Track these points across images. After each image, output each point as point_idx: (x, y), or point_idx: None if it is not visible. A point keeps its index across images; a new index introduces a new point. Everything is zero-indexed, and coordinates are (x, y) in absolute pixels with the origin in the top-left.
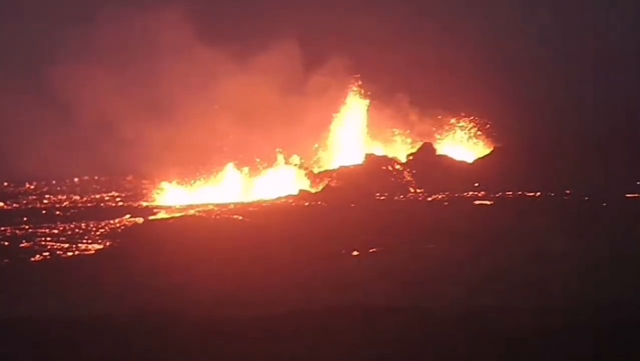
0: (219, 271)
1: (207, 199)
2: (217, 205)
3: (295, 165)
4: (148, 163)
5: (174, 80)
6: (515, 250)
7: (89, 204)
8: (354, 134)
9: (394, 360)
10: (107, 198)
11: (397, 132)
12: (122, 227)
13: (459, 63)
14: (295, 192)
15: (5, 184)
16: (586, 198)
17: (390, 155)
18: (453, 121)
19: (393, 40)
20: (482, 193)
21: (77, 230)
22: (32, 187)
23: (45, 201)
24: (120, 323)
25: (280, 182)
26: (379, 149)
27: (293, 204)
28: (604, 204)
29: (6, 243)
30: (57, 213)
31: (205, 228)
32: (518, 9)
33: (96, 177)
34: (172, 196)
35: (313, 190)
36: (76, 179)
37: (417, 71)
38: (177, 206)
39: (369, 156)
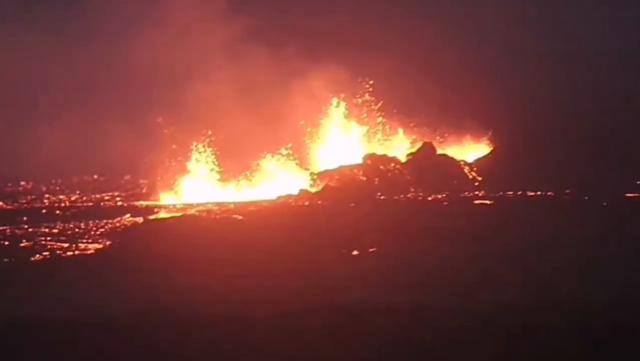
0: (219, 271)
1: (207, 199)
2: (217, 204)
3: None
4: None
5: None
6: (515, 250)
7: (88, 204)
8: (352, 133)
9: (394, 359)
10: (107, 198)
11: (397, 132)
12: (122, 226)
13: (458, 63)
14: (295, 191)
15: (2, 183)
16: (586, 198)
17: (390, 155)
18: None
19: (389, 40)
20: (482, 192)
21: (77, 230)
22: (29, 186)
23: (45, 201)
24: (121, 323)
25: (280, 181)
26: (379, 149)
27: (293, 203)
28: (604, 203)
29: (6, 243)
30: (57, 212)
31: (205, 227)
32: (520, 7)
33: (95, 177)
34: (169, 197)
35: (313, 190)
36: (75, 179)
37: (415, 70)
38: (177, 206)
39: (368, 156)
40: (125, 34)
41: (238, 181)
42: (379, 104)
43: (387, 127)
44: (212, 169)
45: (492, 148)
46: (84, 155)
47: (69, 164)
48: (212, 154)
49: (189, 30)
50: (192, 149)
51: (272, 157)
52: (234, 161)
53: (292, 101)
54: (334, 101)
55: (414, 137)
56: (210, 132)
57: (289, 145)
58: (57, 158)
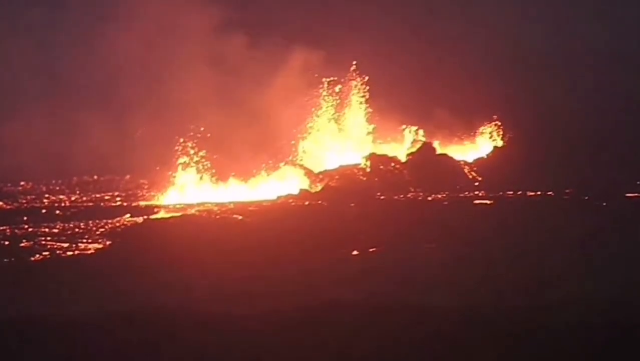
0: (219, 270)
1: (206, 199)
2: (217, 204)
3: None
4: (145, 162)
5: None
6: (515, 249)
7: (88, 204)
8: (355, 132)
9: (394, 359)
10: (107, 198)
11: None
12: (122, 226)
13: (458, 63)
14: (295, 191)
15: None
16: (586, 198)
17: (390, 154)
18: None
19: (389, 39)
20: (482, 192)
21: (77, 230)
22: (29, 186)
23: (45, 201)
24: (120, 322)
25: (280, 181)
26: (379, 149)
27: (293, 203)
28: (604, 204)
29: (6, 243)
30: (57, 212)
31: (205, 227)
32: (520, 6)
33: (95, 177)
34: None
35: (313, 190)
36: (75, 179)
37: (416, 70)
38: (177, 206)
39: (368, 156)
40: (109, 31)
41: (233, 180)
42: (376, 111)
43: (382, 129)
44: (207, 173)
45: (492, 148)
46: (71, 155)
47: (56, 165)
48: (205, 154)
49: (167, 24)
50: (179, 151)
51: (270, 173)
52: (228, 160)
53: (284, 98)
54: (330, 99)
55: (414, 137)
56: (202, 128)
57: (290, 158)
58: (45, 158)
